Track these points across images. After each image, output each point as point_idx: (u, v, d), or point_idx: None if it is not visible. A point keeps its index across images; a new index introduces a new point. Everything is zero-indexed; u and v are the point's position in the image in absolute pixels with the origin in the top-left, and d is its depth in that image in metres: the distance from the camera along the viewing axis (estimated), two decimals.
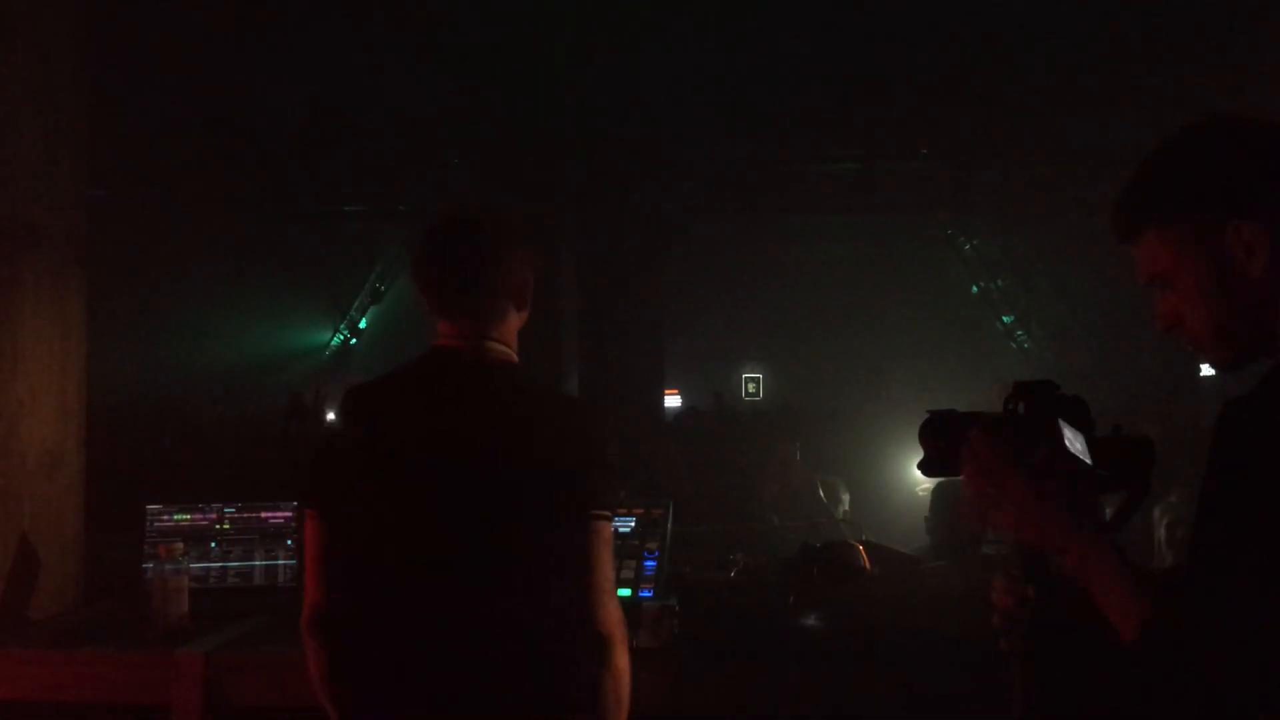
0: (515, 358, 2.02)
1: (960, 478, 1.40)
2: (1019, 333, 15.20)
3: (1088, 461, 1.37)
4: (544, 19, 7.03)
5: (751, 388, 15.02)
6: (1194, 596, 1.22)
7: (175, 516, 3.18)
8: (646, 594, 2.88)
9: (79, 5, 3.34)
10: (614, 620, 1.89)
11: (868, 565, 3.31)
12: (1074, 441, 1.37)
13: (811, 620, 2.87)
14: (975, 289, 15.32)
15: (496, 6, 6.94)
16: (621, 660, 1.90)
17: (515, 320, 2.04)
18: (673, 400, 13.26)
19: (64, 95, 3.25)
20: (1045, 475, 1.32)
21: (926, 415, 1.49)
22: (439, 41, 7.50)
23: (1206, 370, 9.69)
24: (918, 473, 1.53)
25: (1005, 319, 15.28)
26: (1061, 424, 1.37)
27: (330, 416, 11.26)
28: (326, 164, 10.26)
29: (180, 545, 2.96)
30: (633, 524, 3.03)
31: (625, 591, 2.89)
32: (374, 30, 7.29)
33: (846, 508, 5.44)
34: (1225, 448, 1.28)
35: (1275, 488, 1.17)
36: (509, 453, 1.87)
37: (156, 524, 3.16)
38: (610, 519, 1.92)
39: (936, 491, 4.16)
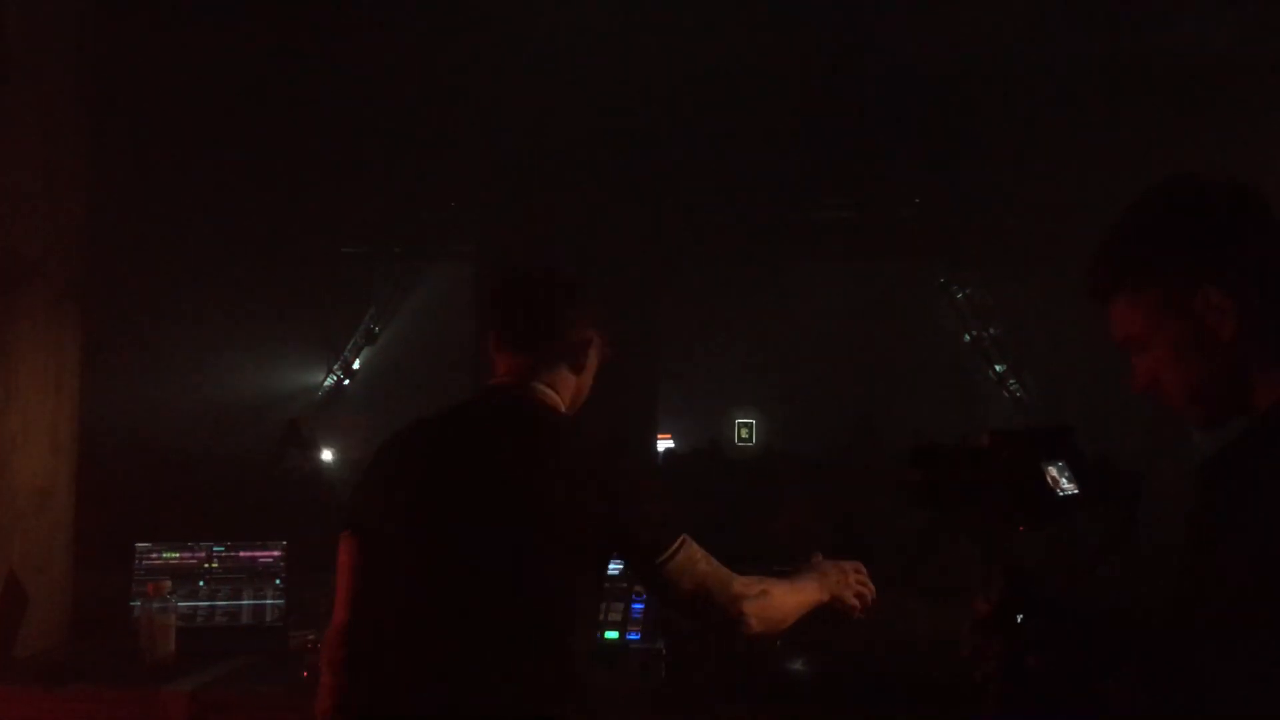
0: (560, 405, 2.06)
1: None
2: (1011, 382, 15.21)
3: (1076, 491, 1.39)
4: (541, 67, 7.10)
5: (744, 433, 14.96)
6: (1169, 656, 1.25)
7: (164, 554, 3.17)
8: (634, 636, 2.88)
9: (81, 39, 3.38)
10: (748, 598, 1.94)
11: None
12: (1059, 478, 1.39)
13: (799, 664, 2.86)
14: (968, 338, 15.37)
15: (491, 52, 7.00)
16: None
17: (568, 376, 2.10)
18: (665, 444, 13.24)
19: (65, 130, 3.28)
20: None
21: (911, 450, 1.49)
22: (437, 88, 7.56)
23: None
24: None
25: (998, 368, 15.30)
26: (1044, 465, 1.39)
27: (326, 454, 11.25)
28: (323, 205, 10.31)
29: (168, 583, 2.96)
30: (621, 566, 3.03)
31: (613, 634, 2.89)
32: (371, 74, 7.35)
33: None
34: (1202, 507, 1.29)
35: (1243, 544, 1.19)
36: (528, 492, 1.90)
37: (145, 562, 3.15)
38: (677, 547, 1.91)
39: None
